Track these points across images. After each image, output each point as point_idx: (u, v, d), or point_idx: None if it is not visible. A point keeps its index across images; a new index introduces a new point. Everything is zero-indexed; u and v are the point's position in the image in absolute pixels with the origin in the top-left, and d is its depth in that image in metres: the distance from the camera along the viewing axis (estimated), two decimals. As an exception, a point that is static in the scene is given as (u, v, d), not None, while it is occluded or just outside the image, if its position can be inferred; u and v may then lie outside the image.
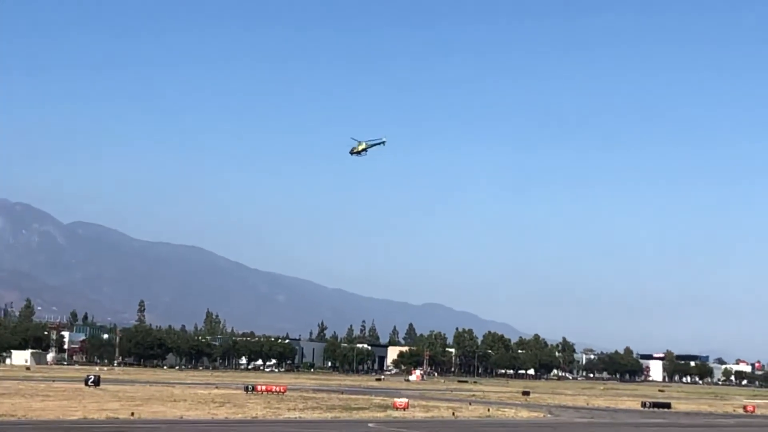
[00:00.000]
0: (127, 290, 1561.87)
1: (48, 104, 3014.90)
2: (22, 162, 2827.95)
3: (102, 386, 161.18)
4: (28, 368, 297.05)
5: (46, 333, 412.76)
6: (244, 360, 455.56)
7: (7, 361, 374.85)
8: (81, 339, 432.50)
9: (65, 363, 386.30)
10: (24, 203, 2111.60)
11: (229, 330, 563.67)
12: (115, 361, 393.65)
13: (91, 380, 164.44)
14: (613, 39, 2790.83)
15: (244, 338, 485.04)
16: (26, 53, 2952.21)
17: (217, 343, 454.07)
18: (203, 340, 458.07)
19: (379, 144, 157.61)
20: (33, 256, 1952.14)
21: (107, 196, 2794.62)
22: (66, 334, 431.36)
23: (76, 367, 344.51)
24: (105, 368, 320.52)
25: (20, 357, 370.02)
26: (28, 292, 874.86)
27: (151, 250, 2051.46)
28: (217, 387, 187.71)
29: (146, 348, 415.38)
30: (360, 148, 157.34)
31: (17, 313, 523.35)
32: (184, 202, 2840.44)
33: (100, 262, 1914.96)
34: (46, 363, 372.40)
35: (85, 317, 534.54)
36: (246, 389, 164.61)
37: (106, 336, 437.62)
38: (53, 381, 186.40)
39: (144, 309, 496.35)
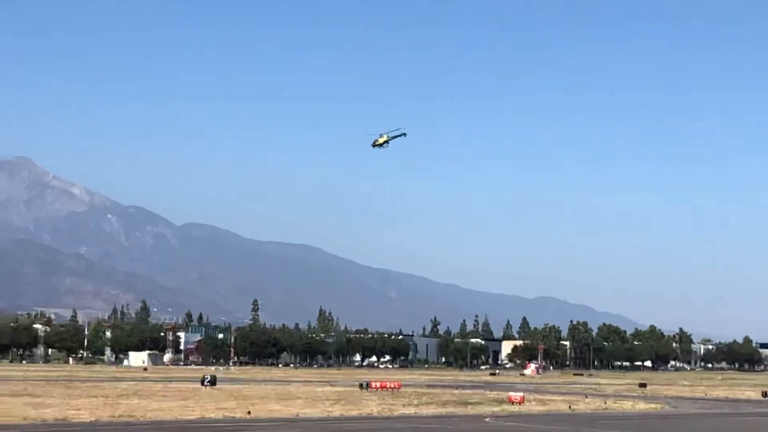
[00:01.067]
0: (240, 290, 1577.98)
1: (158, 106, 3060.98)
2: (133, 165, 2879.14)
3: (218, 386, 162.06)
4: (145, 369, 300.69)
5: (162, 334, 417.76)
6: (358, 357, 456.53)
7: (125, 362, 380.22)
8: (197, 339, 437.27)
9: (181, 363, 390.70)
10: (137, 206, 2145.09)
11: (342, 327, 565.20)
12: (231, 361, 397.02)
13: (207, 380, 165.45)
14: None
15: (358, 335, 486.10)
16: (139, 52, 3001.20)
17: (330, 341, 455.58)
18: (317, 338, 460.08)
19: (399, 136, 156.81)
20: (147, 258, 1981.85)
21: (219, 197, 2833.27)
22: (182, 334, 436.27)
23: (192, 367, 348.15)
24: (221, 368, 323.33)
25: (137, 358, 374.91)
26: (144, 293, 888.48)
27: (263, 250, 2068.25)
28: (331, 384, 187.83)
29: (261, 347, 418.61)
30: (381, 140, 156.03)
31: (134, 315, 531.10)
32: (295, 201, 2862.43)
33: (213, 262, 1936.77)
34: (163, 364, 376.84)
35: (200, 317, 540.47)
36: (360, 386, 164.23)
37: (221, 336, 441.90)
38: (170, 381, 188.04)
39: (258, 308, 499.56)
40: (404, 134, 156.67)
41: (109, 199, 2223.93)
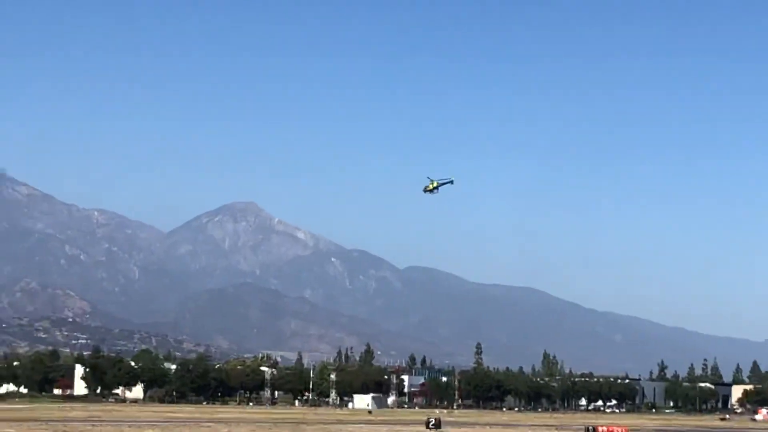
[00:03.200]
0: (462, 332, 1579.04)
1: (379, 157, 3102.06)
2: (355, 210, 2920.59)
3: (443, 429, 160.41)
4: (369, 412, 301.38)
5: (386, 377, 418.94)
6: (583, 401, 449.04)
7: (350, 405, 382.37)
8: (420, 382, 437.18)
9: (406, 406, 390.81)
10: (360, 249, 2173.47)
11: (566, 371, 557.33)
12: (455, 404, 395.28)
13: (431, 423, 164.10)
14: None
15: (583, 379, 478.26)
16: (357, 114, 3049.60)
17: (555, 384, 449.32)
18: (541, 382, 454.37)
19: (447, 183, 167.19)
20: (371, 301, 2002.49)
21: (440, 241, 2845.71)
22: (405, 377, 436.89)
23: (417, 410, 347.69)
24: (445, 411, 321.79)
25: (362, 401, 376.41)
26: (367, 336, 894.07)
27: (485, 292, 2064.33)
28: (557, 428, 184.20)
29: (485, 390, 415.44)
30: (431, 186, 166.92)
31: (358, 358, 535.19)
32: (516, 243, 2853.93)
33: (436, 305, 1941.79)
34: (387, 406, 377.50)
35: (423, 360, 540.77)
36: (587, 430, 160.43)
37: (444, 379, 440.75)
38: (394, 425, 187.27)
39: (481, 351, 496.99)
40: (451, 181, 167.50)
41: (333, 243, 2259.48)
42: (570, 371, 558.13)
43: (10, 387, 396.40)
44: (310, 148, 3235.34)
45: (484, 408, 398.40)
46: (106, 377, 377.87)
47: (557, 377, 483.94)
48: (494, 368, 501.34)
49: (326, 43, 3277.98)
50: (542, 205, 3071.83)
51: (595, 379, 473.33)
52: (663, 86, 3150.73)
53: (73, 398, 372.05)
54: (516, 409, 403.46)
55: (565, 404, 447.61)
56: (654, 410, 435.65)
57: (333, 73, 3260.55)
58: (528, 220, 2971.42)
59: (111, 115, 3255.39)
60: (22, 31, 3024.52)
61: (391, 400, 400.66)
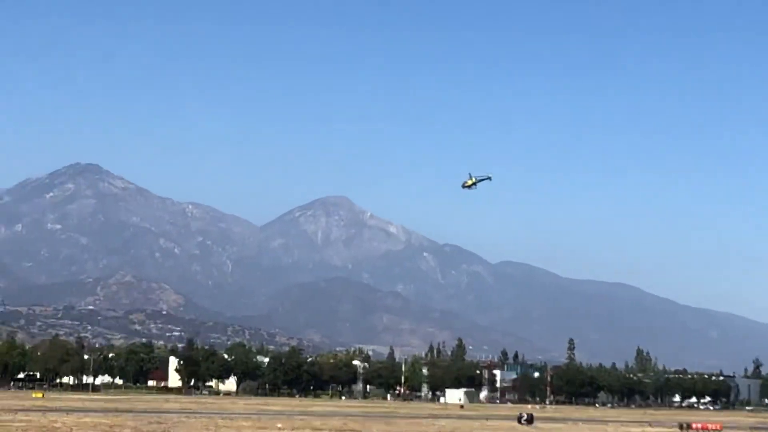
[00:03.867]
0: (555, 328, 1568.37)
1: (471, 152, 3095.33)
2: (448, 205, 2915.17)
3: (535, 425, 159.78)
4: (461, 407, 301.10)
5: (477, 372, 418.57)
6: (677, 398, 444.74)
7: (441, 399, 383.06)
8: (512, 377, 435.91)
9: (497, 401, 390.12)
10: (453, 244, 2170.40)
11: (660, 367, 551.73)
12: (547, 400, 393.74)
13: (524, 418, 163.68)
14: None
15: (676, 375, 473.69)
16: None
17: (648, 381, 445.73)
18: (634, 378, 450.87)
19: (485, 179, 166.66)
20: (463, 296, 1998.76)
21: (534, 236, 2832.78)
22: (497, 372, 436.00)
23: (509, 405, 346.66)
24: (537, 406, 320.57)
25: (454, 395, 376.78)
26: (459, 331, 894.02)
27: (578, 288, 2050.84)
28: (650, 425, 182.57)
29: (577, 386, 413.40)
30: (470, 182, 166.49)
31: (449, 353, 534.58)
32: (610, 239, 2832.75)
33: (528, 300, 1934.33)
34: (479, 401, 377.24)
35: (515, 356, 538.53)
36: (680, 427, 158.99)
37: (536, 374, 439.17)
38: (486, 419, 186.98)
39: (573, 347, 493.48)
40: (489, 177, 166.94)
41: (425, 237, 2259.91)
42: (663, 368, 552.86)
43: (106, 378, 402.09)
44: (402, 143, 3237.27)
45: (577, 404, 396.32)
46: (200, 370, 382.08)
47: (650, 373, 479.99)
48: (587, 364, 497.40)
49: (420, 47, 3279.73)
50: (636, 202, 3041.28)
51: (689, 376, 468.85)
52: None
53: (167, 390, 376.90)
54: (609, 405, 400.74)
55: (659, 401, 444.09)
56: (749, 408, 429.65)
57: (424, 73, 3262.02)
58: (621, 217, 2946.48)
59: (205, 110, 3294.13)
60: (122, 28, 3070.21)
61: (483, 395, 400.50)
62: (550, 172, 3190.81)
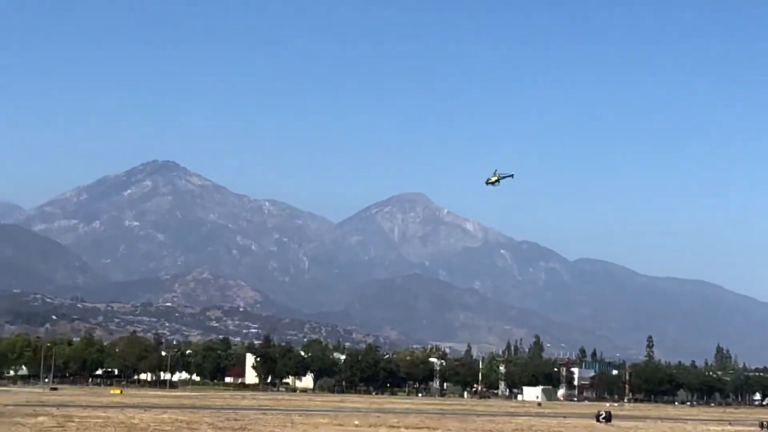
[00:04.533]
0: (633, 326, 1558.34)
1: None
2: (526, 201, 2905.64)
3: (613, 422, 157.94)
4: (539, 404, 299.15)
5: (555, 369, 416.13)
6: (757, 396, 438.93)
7: (519, 397, 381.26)
8: (590, 375, 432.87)
9: (575, 399, 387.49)
10: (530, 241, 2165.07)
11: (740, 365, 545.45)
12: (626, 397, 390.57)
13: (602, 416, 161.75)
14: None
15: (757, 373, 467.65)
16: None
17: (728, 379, 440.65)
18: (714, 376, 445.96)
19: (508, 177, 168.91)
20: (540, 293, 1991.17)
21: (613, 233, 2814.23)
22: (575, 370, 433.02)
23: (587, 403, 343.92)
24: (615, 404, 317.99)
25: (531, 393, 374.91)
26: (537, 329, 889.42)
27: (657, 285, 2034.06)
28: (730, 423, 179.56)
29: (656, 384, 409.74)
30: (493, 179, 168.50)
31: (527, 350, 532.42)
32: (689, 236, 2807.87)
33: (607, 298, 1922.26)
34: (557, 399, 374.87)
35: (594, 353, 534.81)
36: (761, 425, 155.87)
37: (615, 372, 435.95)
38: (564, 417, 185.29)
39: (652, 345, 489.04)
40: (512, 176, 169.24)
41: (502, 234, 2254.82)
42: (743, 365, 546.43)
43: (183, 375, 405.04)
44: (480, 140, 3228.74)
45: (656, 402, 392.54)
46: (277, 366, 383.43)
47: (730, 371, 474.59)
48: (666, 362, 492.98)
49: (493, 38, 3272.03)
50: (716, 199, 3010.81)
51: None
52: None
53: (244, 387, 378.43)
54: (688, 403, 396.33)
55: (739, 399, 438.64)
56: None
57: (499, 66, 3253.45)
58: (701, 214, 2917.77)
59: (281, 108, 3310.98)
60: (193, 26, 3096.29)
61: (560, 392, 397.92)
62: (629, 168, 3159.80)
